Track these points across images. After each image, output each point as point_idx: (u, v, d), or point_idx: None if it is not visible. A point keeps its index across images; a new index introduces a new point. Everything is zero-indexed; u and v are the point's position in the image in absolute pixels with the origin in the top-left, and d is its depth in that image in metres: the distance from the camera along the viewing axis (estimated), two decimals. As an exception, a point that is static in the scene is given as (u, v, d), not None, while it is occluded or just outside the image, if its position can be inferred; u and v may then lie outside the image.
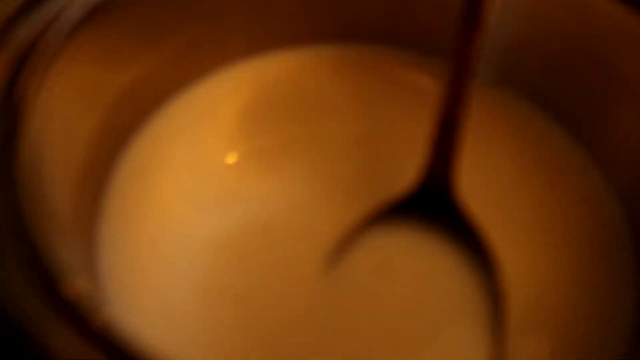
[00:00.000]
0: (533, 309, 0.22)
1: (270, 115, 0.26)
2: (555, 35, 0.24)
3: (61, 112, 0.19)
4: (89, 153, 0.21)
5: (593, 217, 0.24)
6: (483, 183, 0.24)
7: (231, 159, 0.25)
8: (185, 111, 0.25)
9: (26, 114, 0.17)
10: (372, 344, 0.21)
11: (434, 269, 0.23)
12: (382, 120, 0.26)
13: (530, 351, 0.21)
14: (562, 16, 0.24)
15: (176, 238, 0.23)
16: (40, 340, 0.14)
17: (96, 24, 0.19)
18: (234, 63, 0.25)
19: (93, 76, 0.20)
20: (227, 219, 0.23)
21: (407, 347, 0.22)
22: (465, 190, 0.23)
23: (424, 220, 0.23)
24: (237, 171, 0.25)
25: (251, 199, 0.24)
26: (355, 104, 0.26)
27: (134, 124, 0.23)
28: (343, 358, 0.21)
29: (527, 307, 0.22)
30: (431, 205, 0.23)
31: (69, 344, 0.14)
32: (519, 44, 0.25)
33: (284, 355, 0.21)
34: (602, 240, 0.23)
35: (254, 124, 0.25)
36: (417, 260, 0.23)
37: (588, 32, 0.23)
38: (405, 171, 0.23)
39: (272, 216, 0.23)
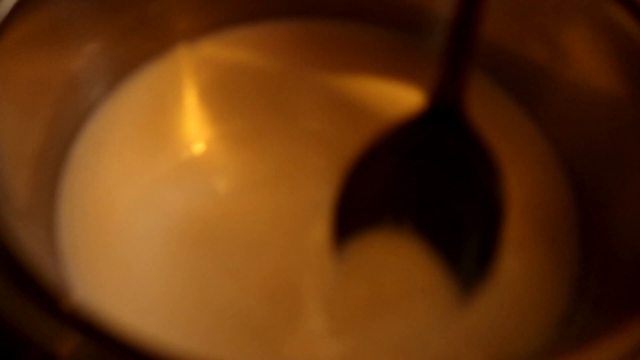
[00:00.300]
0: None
1: (232, 97, 0.26)
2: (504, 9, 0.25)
3: (13, 100, 0.19)
4: (44, 138, 0.21)
5: (540, 184, 0.25)
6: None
7: (197, 144, 0.25)
8: (142, 92, 0.25)
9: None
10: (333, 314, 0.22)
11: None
12: (347, 89, 0.26)
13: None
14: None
15: (136, 218, 0.23)
16: (13, 324, 0.15)
17: (36, 8, 0.19)
18: (184, 43, 0.25)
19: (42, 62, 0.20)
20: (189, 195, 0.24)
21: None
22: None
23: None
24: (200, 155, 0.25)
25: (216, 174, 0.24)
26: (317, 76, 0.26)
27: (88, 108, 0.23)
28: (305, 332, 0.22)
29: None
30: (438, 128, 0.22)
31: (41, 325, 0.15)
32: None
33: (248, 328, 0.21)
34: (548, 208, 0.24)
35: (216, 108, 0.25)
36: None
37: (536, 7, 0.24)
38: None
39: (239, 191, 0.24)
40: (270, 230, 0.23)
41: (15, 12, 0.18)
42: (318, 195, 0.23)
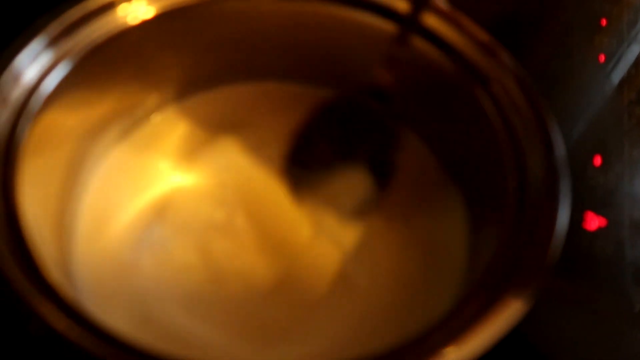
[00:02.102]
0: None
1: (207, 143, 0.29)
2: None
3: (44, 148, 0.23)
4: (64, 177, 0.25)
5: (429, 191, 0.28)
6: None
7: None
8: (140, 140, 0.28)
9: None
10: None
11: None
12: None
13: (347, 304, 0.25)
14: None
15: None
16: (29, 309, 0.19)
17: (64, 88, 0.24)
18: (173, 103, 0.29)
19: (65, 122, 0.25)
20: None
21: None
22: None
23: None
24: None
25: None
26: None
27: (99, 153, 0.27)
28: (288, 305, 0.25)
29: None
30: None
31: (49, 313, 0.19)
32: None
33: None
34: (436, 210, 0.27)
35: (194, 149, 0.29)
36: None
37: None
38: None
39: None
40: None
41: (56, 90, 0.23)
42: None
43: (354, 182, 0.28)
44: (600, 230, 0.28)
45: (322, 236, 0.27)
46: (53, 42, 0.23)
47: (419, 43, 0.27)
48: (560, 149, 0.24)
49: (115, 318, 0.23)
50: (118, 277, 0.25)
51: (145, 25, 0.25)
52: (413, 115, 0.29)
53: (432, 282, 0.25)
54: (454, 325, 0.20)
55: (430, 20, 0.26)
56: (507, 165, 0.24)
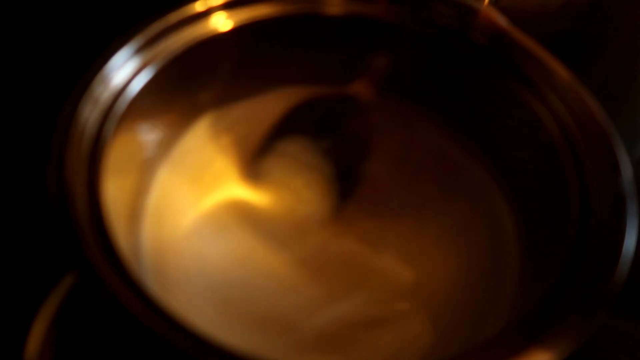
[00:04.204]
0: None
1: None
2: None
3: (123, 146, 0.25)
4: (138, 172, 0.27)
5: (483, 212, 0.28)
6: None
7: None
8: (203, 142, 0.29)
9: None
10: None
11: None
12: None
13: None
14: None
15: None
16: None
17: (146, 92, 0.25)
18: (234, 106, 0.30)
19: (143, 123, 0.26)
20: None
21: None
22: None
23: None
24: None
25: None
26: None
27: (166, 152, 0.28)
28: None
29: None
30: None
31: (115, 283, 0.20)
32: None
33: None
34: (491, 234, 0.27)
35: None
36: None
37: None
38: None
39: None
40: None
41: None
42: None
43: (411, 194, 0.29)
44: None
45: (379, 253, 0.27)
46: (140, 50, 0.25)
47: (476, 57, 0.27)
48: (627, 170, 0.23)
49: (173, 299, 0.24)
50: (177, 265, 0.26)
51: (222, 37, 0.27)
52: (470, 131, 0.29)
53: (480, 304, 0.25)
54: (500, 354, 0.19)
55: (484, 36, 0.27)
56: (570, 186, 0.24)
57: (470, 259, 0.27)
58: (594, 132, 0.25)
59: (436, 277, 0.26)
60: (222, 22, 0.27)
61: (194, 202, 0.28)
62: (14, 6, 0.37)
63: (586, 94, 0.25)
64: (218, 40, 0.27)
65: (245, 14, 0.27)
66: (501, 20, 0.27)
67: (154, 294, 0.20)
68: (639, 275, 0.22)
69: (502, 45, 0.27)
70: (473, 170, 0.28)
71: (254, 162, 0.29)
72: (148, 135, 0.27)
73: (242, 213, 0.28)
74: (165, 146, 0.28)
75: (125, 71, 0.24)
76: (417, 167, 0.29)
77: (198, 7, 0.26)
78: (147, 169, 0.27)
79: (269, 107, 0.29)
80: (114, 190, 0.23)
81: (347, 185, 0.29)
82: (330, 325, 0.25)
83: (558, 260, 0.22)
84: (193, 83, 0.27)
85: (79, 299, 0.22)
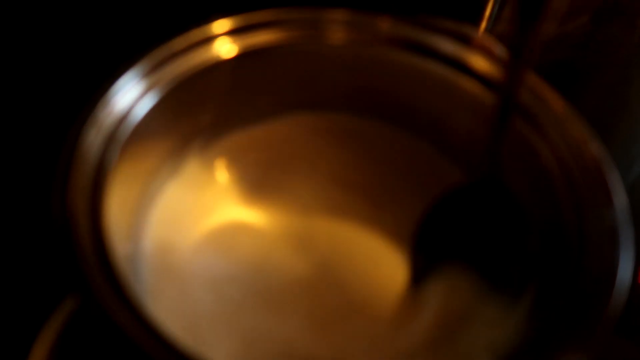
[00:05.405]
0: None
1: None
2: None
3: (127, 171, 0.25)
4: (139, 195, 0.27)
5: None
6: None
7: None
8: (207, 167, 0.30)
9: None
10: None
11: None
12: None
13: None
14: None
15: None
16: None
17: (149, 118, 0.26)
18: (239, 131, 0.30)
19: (146, 147, 0.26)
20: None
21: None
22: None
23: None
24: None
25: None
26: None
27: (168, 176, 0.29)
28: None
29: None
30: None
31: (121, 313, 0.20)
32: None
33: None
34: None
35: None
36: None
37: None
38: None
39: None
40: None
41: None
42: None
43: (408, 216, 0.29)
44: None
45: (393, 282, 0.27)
46: (145, 75, 0.25)
47: (474, 87, 0.28)
48: (621, 199, 0.24)
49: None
50: (175, 286, 0.26)
51: (225, 63, 0.27)
52: (469, 161, 0.30)
53: (476, 334, 0.25)
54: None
55: (485, 65, 0.28)
56: (565, 215, 0.24)
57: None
58: (589, 163, 0.25)
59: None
60: (226, 48, 0.27)
61: (195, 223, 0.28)
62: (25, 31, 0.37)
63: (581, 124, 0.26)
64: (222, 66, 0.27)
65: (250, 40, 0.28)
66: (497, 49, 0.28)
67: (154, 318, 0.21)
68: (636, 298, 0.22)
69: (498, 75, 0.28)
70: None
71: (254, 184, 0.29)
72: (150, 159, 0.27)
73: (242, 233, 0.28)
74: (168, 169, 0.28)
75: (129, 96, 0.25)
76: (415, 194, 0.29)
77: (203, 33, 0.27)
78: (149, 192, 0.27)
79: (270, 132, 0.30)
80: (117, 214, 0.23)
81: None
82: (324, 352, 0.25)
83: (557, 289, 0.23)
84: (196, 108, 0.28)
85: (79, 323, 0.22)
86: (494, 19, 0.35)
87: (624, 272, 0.22)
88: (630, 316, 0.25)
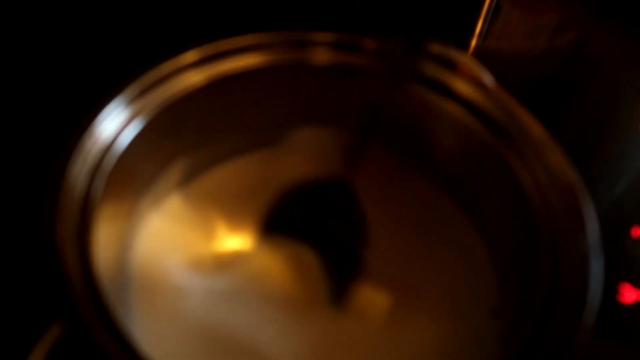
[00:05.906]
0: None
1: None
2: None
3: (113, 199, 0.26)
4: (123, 235, 0.27)
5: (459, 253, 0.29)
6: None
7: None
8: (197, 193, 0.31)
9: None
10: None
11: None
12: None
13: None
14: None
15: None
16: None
17: (134, 145, 0.26)
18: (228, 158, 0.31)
19: (132, 174, 0.27)
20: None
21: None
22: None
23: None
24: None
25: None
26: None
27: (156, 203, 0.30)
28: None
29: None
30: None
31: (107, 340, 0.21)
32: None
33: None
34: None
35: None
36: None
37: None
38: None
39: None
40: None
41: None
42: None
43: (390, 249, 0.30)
44: (637, 303, 0.28)
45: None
46: (130, 102, 0.26)
47: (456, 110, 0.28)
48: (593, 226, 0.24)
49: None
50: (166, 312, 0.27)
51: (208, 88, 0.27)
52: (450, 182, 0.30)
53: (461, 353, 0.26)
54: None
55: (465, 89, 0.28)
56: (542, 238, 0.25)
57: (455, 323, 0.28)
58: (565, 189, 0.26)
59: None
60: (212, 72, 0.28)
61: (182, 251, 0.29)
62: (8, 58, 0.38)
63: (559, 150, 0.26)
64: (207, 90, 0.27)
65: (238, 63, 0.28)
66: (482, 75, 0.28)
67: (141, 346, 0.21)
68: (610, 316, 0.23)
69: (482, 100, 0.28)
70: (454, 221, 0.30)
71: (241, 211, 0.30)
72: (136, 187, 0.27)
73: (227, 262, 0.29)
74: (153, 197, 0.29)
75: (114, 124, 0.25)
76: (403, 217, 0.30)
77: (185, 59, 0.27)
78: (135, 220, 0.28)
79: (255, 159, 0.31)
80: (103, 243, 0.24)
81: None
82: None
83: (531, 311, 0.23)
84: (181, 134, 0.28)
85: (65, 350, 0.22)
86: (484, 35, 0.35)
87: (594, 296, 0.23)
88: (613, 317, 0.25)
